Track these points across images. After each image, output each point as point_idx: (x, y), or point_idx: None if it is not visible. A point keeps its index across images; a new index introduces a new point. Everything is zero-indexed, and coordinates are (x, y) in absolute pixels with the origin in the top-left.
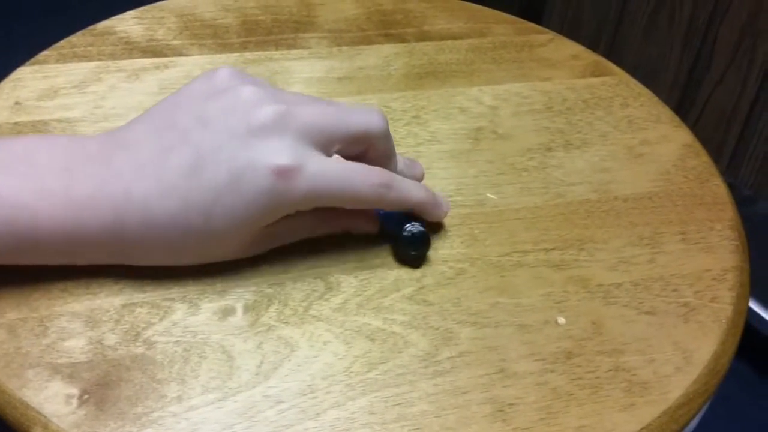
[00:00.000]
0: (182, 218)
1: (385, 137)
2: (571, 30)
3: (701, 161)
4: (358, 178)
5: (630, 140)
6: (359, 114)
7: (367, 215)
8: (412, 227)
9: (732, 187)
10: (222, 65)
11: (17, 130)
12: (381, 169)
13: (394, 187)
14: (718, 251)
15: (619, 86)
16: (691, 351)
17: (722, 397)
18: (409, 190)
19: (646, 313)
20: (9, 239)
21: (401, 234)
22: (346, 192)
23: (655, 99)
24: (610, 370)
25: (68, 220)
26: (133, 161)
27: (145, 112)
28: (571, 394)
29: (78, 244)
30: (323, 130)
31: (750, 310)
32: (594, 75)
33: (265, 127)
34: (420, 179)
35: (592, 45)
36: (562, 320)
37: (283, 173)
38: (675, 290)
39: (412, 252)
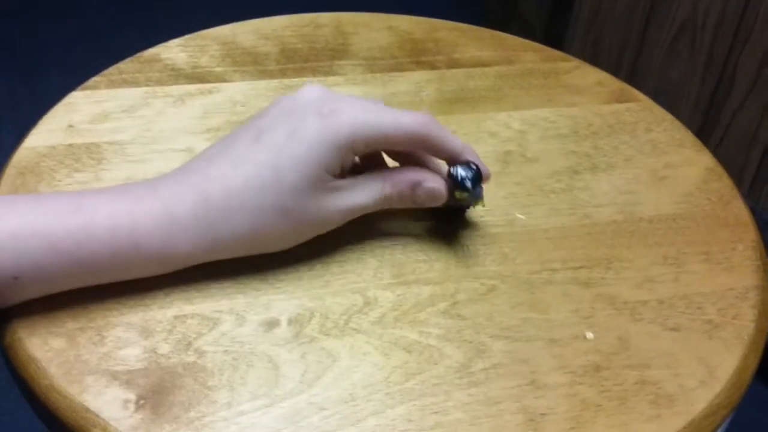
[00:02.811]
0: (256, 178)
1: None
2: (592, 56)
3: (723, 184)
4: (399, 113)
5: (654, 164)
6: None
7: (435, 174)
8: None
9: (753, 211)
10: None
11: (71, 151)
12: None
13: (435, 124)
14: (740, 271)
15: (643, 112)
16: (714, 366)
17: (742, 422)
18: (449, 134)
19: (671, 329)
20: (112, 244)
21: (451, 173)
22: (390, 124)
23: (678, 124)
24: (637, 383)
25: (161, 214)
26: (206, 158)
27: None
28: (600, 406)
29: (172, 239)
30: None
31: None
32: (618, 101)
33: (311, 98)
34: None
35: (614, 71)
36: (590, 335)
37: (330, 112)
38: (699, 308)
39: (465, 184)
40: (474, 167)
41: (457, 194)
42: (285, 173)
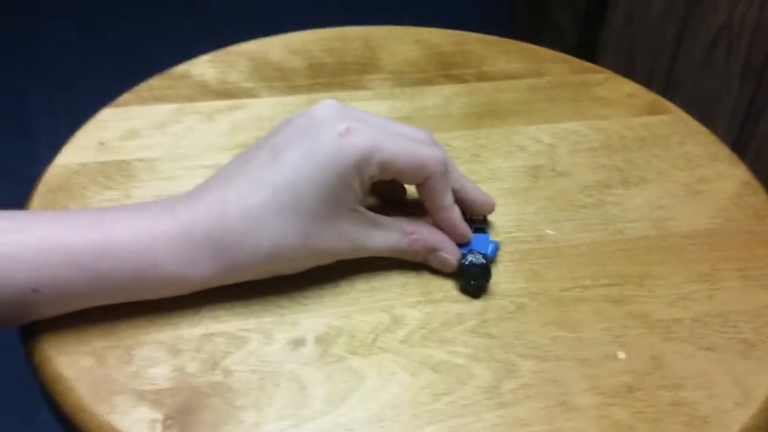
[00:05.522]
0: (274, 200)
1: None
2: (626, 65)
3: (759, 198)
4: (416, 143)
5: (687, 177)
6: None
7: (452, 242)
8: (473, 257)
9: None
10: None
11: (102, 168)
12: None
13: (449, 163)
14: None
15: (675, 124)
16: (750, 386)
17: None
18: (448, 187)
19: (706, 348)
20: (131, 262)
21: (462, 263)
22: (405, 153)
23: (712, 137)
24: (670, 405)
25: (179, 235)
26: (223, 177)
27: None
28: (632, 428)
29: (189, 260)
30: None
31: None
32: (650, 113)
33: (327, 115)
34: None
35: (648, 79)
36: (622, 355)
37: (346, 131)
38: (734, 326)
39: (472, 282)
40: (484, 261)
41: (462, 280)
42: (303, 196)
